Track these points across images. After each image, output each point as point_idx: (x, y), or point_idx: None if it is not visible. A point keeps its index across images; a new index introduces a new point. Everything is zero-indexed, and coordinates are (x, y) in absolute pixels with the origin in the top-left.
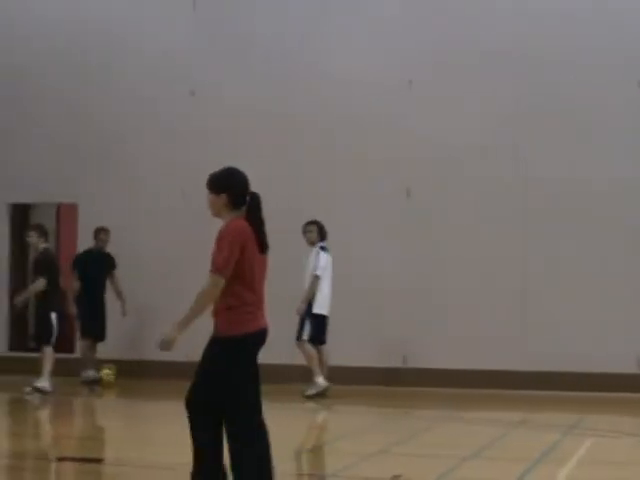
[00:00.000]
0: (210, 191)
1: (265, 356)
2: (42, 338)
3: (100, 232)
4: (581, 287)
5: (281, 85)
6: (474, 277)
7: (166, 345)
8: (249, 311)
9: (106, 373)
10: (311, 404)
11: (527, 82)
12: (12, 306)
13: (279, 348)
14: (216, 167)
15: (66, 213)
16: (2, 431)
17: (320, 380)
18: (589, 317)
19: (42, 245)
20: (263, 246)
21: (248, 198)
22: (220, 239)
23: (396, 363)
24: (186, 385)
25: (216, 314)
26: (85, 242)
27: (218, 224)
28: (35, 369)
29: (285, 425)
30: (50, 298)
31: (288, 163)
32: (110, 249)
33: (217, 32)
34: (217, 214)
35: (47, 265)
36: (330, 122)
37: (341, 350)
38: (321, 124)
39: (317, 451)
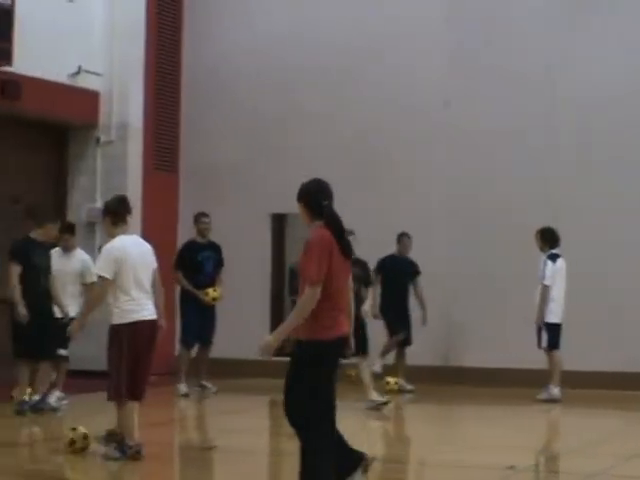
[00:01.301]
0: (297, 200)
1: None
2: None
3: (403, 237)
4: None
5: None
6: None
7: (265, 351)
8: (332, 316)
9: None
10: (543, 406)
11: None
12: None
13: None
14: None
15: None
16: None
17: (555, 390)
18: None
19: None
20: (346, 253)
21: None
22: (309, 250)
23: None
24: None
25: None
26: None
27: None
28: None
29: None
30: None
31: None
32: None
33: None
34: (304, 222)
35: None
36: None
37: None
38: None
39: (575, 452)
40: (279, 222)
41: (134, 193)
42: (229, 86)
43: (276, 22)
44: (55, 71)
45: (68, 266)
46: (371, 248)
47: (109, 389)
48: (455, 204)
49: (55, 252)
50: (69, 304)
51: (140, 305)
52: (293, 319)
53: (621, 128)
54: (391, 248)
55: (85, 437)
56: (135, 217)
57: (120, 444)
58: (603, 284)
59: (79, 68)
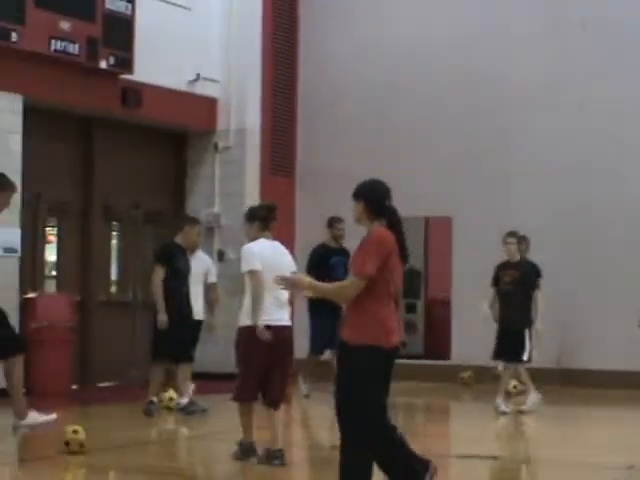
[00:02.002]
0: (352, 197)
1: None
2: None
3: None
4: None
5: None
6: None
7: (292, 284)
8: (383, 323)
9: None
10: None
11: None
12: None
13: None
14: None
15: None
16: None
17: None
18: None
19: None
20: (405, 258)
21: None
22: (367, 244)
23: None
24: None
25: (350, 322)
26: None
27: None
28: None
29: None
30: None
31: None
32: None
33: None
34: (357, 221)
35: None
36: None
37: None
38: None
39: None
40: None
41: (252, 198)
42: (343, 93)
43: (398, 27)
44: (174, 79)
45: (193, 267)
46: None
47: (236, 390)
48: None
49: None
50: (195, 305)
51: (269, 308)
52: (329, 292)
53: None
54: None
55: (81, 445)
56: None
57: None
58: None
59: (197, 75)
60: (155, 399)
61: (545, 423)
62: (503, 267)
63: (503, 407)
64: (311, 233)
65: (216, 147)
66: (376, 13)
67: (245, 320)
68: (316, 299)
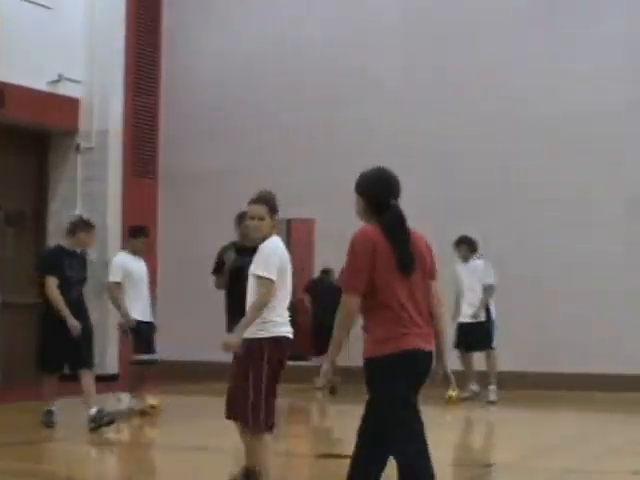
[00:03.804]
0: (355, 191)
1: None
2: None
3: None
4: None
5: None
6: None
7: (325, 377)
8: (387, 329)
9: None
10: None
11: None
12: None
13: None
14: None
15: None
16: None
17: None
18: None
19: None
20: (404, 265)
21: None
22: (349, 252)
23: None
24: None
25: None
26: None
27: None
28: None
29: None
30: None
31: None
32: None
33: None
34: (359, 217)
35: None
36: None
37: None
38: None
39: None
40: None
41: (114, 199)
42: (206, 95)
43: (255, 28)
44: (36, 79)
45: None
46: None
47: (251, 417)
48: None
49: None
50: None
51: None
52: (336, 334)
53: None
54: None
55: None
56: (115, 224)
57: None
58: None
59: (60, 76)
60: (54, 408)
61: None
62: None
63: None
64: (174, 234)
65: (78, 148)
66: (239, 12)
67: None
68: None
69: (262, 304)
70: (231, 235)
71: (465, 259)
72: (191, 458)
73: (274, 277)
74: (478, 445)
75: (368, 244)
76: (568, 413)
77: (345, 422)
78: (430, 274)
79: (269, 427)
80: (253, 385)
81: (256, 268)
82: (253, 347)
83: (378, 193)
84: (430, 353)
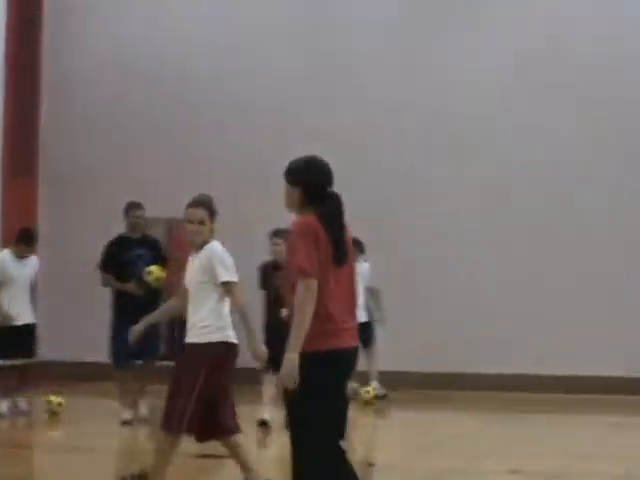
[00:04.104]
0: (286, 181)
1: None
2: None
3: None
4: None
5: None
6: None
7: (288, 380)
8: (324, 324)
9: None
10: None
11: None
12: None
13: None
14: None
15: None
16: None
17: None
18: None
19: None
20: (339, 257)
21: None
22: (293, 240)
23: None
24: None
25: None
26: None
27: None
28: None
29: None
30: None
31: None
32: None
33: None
34: (290, 208)
35: None
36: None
37: None
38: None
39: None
40: None
41: None
42: (88, 95)
43: (136, 21)
44: None
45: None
46: None
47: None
48: None
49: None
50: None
51: None
52: (298, 323)
53: None
54: None
55: None
56: None
57: None
58: None
59: None
60: None
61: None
62: (273, 268)
63: None
64: (55, 234)
65: None
66: (125, 11)
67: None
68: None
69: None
70: (111, 233)
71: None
72: (76, 459)
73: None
74: (360, 445)
75: (312, 233)
76: (450, 413)
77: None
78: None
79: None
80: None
81: (221, 275)
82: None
83: (315, 181)
84: (357, 348)
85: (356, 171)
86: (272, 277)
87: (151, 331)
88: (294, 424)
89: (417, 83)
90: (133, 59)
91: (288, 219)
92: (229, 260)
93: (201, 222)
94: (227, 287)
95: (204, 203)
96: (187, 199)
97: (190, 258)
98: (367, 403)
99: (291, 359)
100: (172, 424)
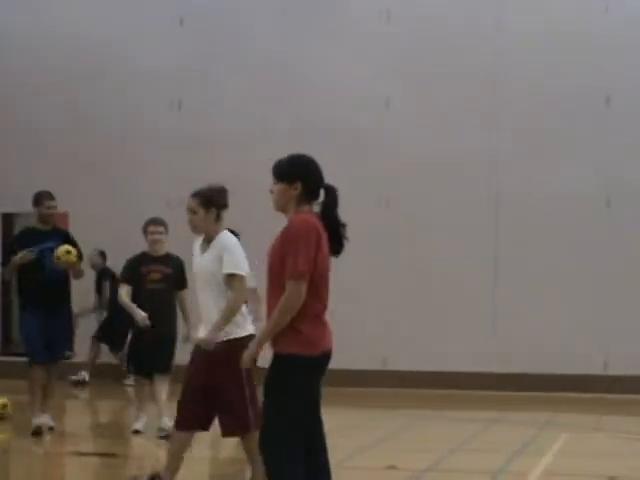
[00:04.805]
0: (279, 180)
1: None
2: None
3: None
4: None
5: (264, 100)
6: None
7: (247, 362)
8: (315, 325)
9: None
10: None
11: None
12: None
13: None
14: (203, 177)
15: None
16: None
17: None
18: (558, 319)
19: None
20: (337, 248)
21: (324, 192)
22: (293, 239)
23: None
24: None
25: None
26: None
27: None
28: None
29: None
30: None
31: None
32: None
33: (204, 47)
34: (282, 207)
35: None
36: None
37: None
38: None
39: None
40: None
41: None
42: None
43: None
44: None
45: None
46: None
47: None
48: None
49: None
50: None
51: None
52: (277, 322)
53: None
54: None
55: None
56: None
57: None
58: None
59: None
60: None
61: None
62: (146, 261)
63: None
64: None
65: None
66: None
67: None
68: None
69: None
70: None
71: None
72: None
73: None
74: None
75: (313, 232)
76: (324, 409)
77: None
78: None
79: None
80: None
81: (226, 267)
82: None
83: (317, 177)
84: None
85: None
86: (143, 271)
87: (62, 329)
88: (273, 425)
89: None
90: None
91: None
92: (238, 252)
93: (192, 211)
94: (230, 279)
95: (200, 192)
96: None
97: (195, 249)
98: None
99: (252, 352)
100: (249, 423)
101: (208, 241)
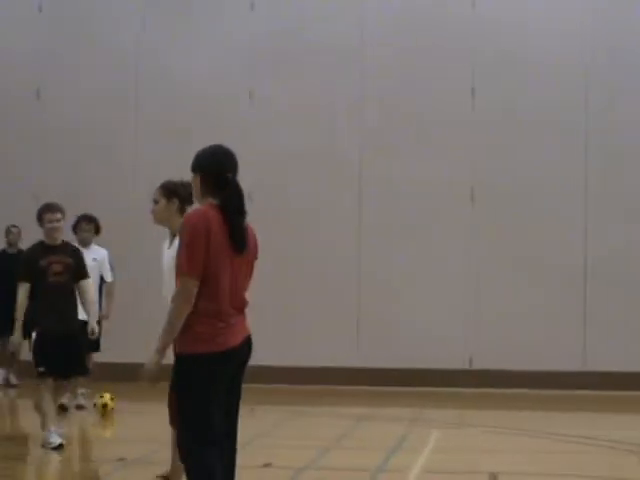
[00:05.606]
0: (190, 170)
1: None
2: None
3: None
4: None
5: (124, 84)
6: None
7: (149, 376)
8: (211, 324)
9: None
10: None
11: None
12: None
13: None
14: (64, 170)
15: None
16: None
17: None
18: (422, 314)
19: None
20: (237, 245)
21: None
22: (181, 232)
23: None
24: None
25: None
26: None
27: None
28: None
29: None
30: None
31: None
32: None
33: (63, 33)
34: (196, 197)
35: None
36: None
37: None
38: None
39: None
40: None
41: None
42: None
43: None
44: None
45: None
46: None
47: None
48: None
49: None
50: None
51: None
52: (167, 326)
53: None
54: None
55: None
56: None
57: None
58: None
59: None
60: None
61: None
62: (43, 252)
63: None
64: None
65: None
66: None
67: None
68: None
69: None
70: None
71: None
72: None
73: None
74: (109, 440)
75: (201, 225)
76: None
77: None
78: (253, 264)
79: None
80: None
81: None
82: None
83: (214, 167)
84: (249, 339)
85: None
86: (43, 264)
87: None
88: (185, 425)
89: None
90: None
91: None
92: None
93: (155, 201)
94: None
95: (163, 183)
96: None
97: (163, 247)
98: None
99: (156, 362)
100: None
101: (173, 235)
